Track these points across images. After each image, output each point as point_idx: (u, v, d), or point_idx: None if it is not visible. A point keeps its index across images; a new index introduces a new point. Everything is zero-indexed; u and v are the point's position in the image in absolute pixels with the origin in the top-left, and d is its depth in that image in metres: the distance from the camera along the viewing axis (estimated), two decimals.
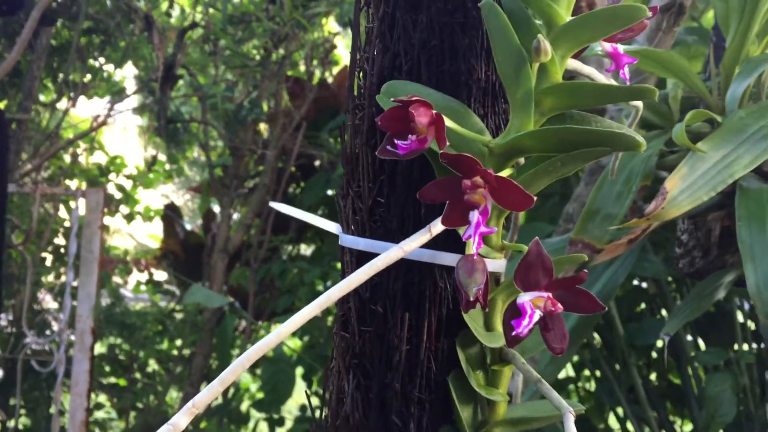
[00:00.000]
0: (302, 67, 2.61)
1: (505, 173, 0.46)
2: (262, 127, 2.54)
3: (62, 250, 2.61)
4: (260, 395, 2.21)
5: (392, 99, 0.43)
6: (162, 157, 2.98)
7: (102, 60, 2.84)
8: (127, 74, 3.03)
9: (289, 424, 2.31)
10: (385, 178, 0.49)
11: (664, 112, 0.85)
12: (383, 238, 0.49)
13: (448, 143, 0.43)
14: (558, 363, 0.86)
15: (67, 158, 2.80)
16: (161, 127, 2.35)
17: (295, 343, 2.53)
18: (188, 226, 3.17)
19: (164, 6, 2.75)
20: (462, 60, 0.48)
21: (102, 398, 2.56)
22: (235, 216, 2.54)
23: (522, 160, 0.49)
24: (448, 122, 0.44)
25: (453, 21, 0.48)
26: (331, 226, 0.57)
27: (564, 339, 0.44)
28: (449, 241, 0.46)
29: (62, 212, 2.63)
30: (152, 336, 2.42)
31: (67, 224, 2.59)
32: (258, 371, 2.31)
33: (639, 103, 0.56)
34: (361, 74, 0.51)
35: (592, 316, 0.86)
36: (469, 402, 0.50)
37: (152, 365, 2.58)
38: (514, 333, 0.42)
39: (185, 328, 2.40)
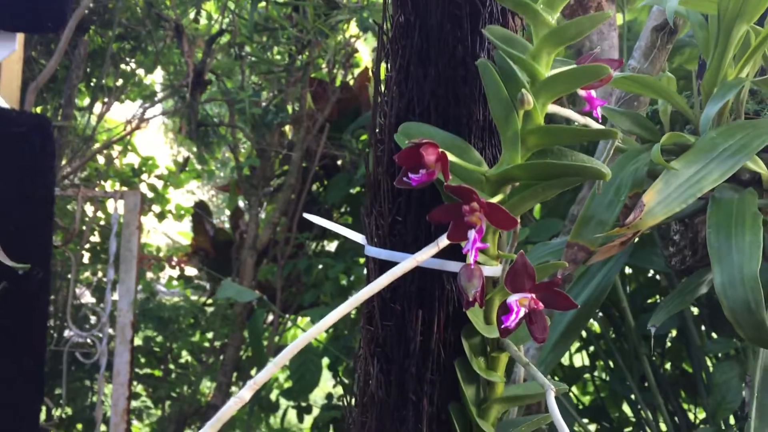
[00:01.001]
0: (325, 70, 2.72)
1: (498, 197, 0.58)
2: (287, 128, 2.67)
3: (98, 248, 2.76)
4: (288, 384, 2.34)
5: (407, 141, 0.55)
6: (189, 156, 3.11)
7: (133, 65, 2.98)
8: (157, 78, 3.17)
9: (316, 411, 2.44)
10: (402, 201, 0.61)
11: (651, 128, 0.95)
12: (401, 250, 0.61)
13: (451, 176, 0.55)
14: (558, 351, 0.97)
15: (101, 159, 2.95)
16: (192, 130, 2.48)
17: (321, 335, 2.66)
18: (214, 221, 3.31)
19: (192, 11, 2.88)
20: (463, 105, 0.59)
21: (139, 388, 2.71)
22: (262, 214, 2.67)
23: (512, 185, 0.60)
24: (452, 157, 0.56)
25: (456, 74, 0.59)
26: (358, 237, 0.69)
27: (545, 330, 0.55)
28: (454, 252, 0.57)
29: (90, 211, 2.77)
30: (185, 329, 2.56)
31: (102, 223, 2.73)
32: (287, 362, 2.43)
33: (618, 133, 0.67)
34: (382, 115, 0.62)
35: (589, 309, 0.97)
36: (472, 383, 0.62)
37: (186, 356, 2.72)
38: (503, 326, 0.54)
39: (216, 321, 2.53)
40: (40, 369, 1.67)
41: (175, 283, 2.99)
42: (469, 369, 0.61)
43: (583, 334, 2.40)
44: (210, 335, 2.68)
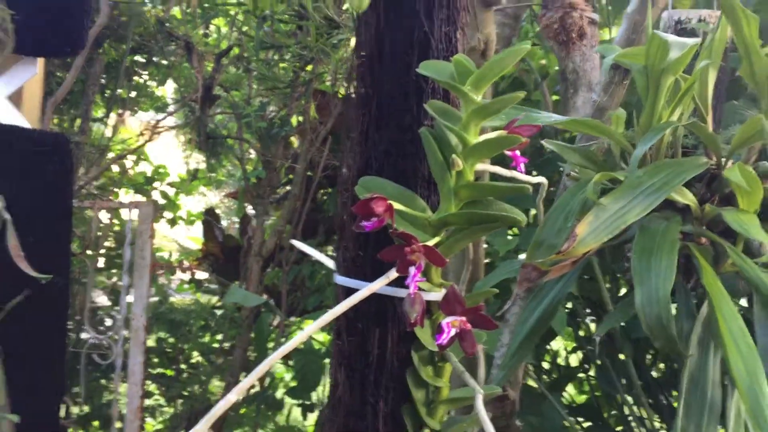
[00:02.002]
0: (329, 82, 2.87)
1: (437, 239, 0.72)
2: (293, 139, 2.82)
3: (113, 254, 2.92)
4: (293, 384, 2.50)
5: (364, 194, 0.70)
6: (198, 167, 3.27)
7: (146, 77, 3.14)
8: (168, 89, 3.33)
9: (318, 410, 2.60)
10: (362, 239, 0.76)
11: (598, 162, 1.09)
12: (362, 279, 0.75)
13: (399, 221, 0.69)
14: (518, 356, 1.11)
15: (116, 168, 3.11)
16: (201, 141, 2.64)
17: (325, 337, 2.81)
18: (223, 222, 3.47)
19: (201, 27, 3.03)
20: (411, 162, 0.74)
21: (152, 387, 2.87)
22: (269, 222, 2.82)
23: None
24: (400, 206, 0.70)
25: (404, 137, 0.74)
26: (330, 263, 0.84)
27: (473, 346, 0.70)
28: (402, 282, 0.72)
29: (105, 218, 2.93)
30: (196, 331, 2.72)
31: (116, 229, 2.89)
32: (291, 362, 2.59)
33: (544, 181, 0.81)
34: (347, 167, 0.77)
35: (546, 319, 1.11)
36: (421, 387, 0.77)
37: (196, 357, 2.88)
38: (438, 343, 0.68)
39: (225, 324, 2.69)
40: (61, 369, 1.82)
41: (186, 286, 3.15)
42: (418, 377, 0.76)
43: (581, 333, 2.54)
44: (219, 337, 2.84)
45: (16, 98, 1.93)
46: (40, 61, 1.95)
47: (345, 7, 2.37)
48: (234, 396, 0.65)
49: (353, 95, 2.89)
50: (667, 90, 1.00)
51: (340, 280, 0.78)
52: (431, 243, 0.69)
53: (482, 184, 0.70)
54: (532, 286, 1.06)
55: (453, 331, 0.68)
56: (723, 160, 1.04)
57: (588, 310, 2.52)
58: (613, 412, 2.73)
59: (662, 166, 0.95)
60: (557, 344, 3.21)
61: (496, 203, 0.71)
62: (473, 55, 1.24)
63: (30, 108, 2.02)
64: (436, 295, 0.74)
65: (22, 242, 1.61)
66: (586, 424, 2.60)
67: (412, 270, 0.68)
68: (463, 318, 0.69)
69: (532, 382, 2.60)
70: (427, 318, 0.75)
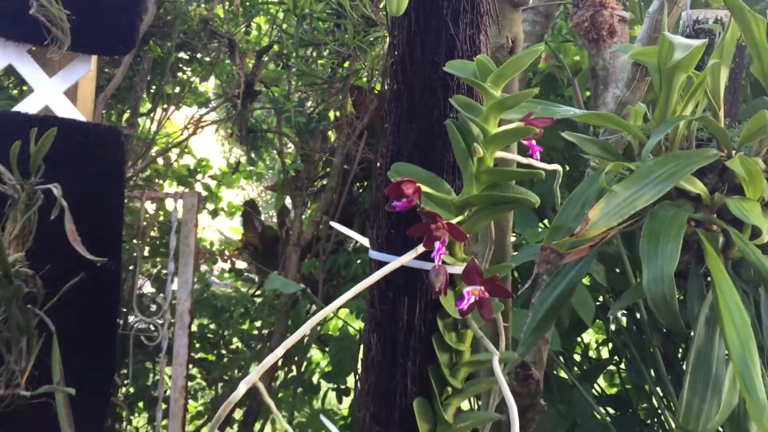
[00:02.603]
0: (365, 78, 2.97)
1: (460, 218, 0.82)
2: (330, 134, 2.93)
3: (158, 243, 3.07)
4: (329, 369, 2.61)
5: (394, 179, 0.80)
6: (240, 160, 3.40)
7: (189, 73, 3.28)
8: (210, 85, 3.47)
9: (353, 394, 2.71)
10: (394, 218, 0.86)
11: (615, 153, 1.17)
12: (392, 252, 0.86)
13: (426, 202, 0.79)
14: (537, 333, 1.20)
15: (161, 161, 3.26)
16: (242, 135, 2.76)
17: (359, 324, 2.92)
18: (263, 217, 3.60)
19: (243, 25, 3.16)
20: (438, 151, 0.84)
21: (194, 371, 3.01)
22: (306, 213, 2.94)
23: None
24: (428, 189, 0.80)
25: (432, 129, 0.84)
26: (366, 242, 0.94)
27: (490, 312, 0.79)
28: (428, 257, 0.82)
29: (150, 209, 3.08)
30: (236, 317, 2.85)
31: (161, 220, 3.04)
32: (327, 349, 2.71)
33: (559, 168, 0.91)
34: (381, 156, 0.87)
35: (563, 299, 1.20)
36: (445, 351, 0.87)
37: (236, 343, 3.02)
38: (459, 308, 0.78)
39: (264, 311, 2.82)
40: (112, 348, 1.94)
41: (227, 275, 3.29)
42: (443, 341, 0.86)
43: (612, 327, 2.61)
44: (258, 324, 2.97)
45: (71, 93, 2.05)
46: (94, 59, 2.07)
47: (381, 5, 2.47)
48: (281, 350, 0.76)
49: (387, 91, 2.98)
50: (680, 86, 1.08)
51: (374, 254, 0.88)
52: (455, 221, 0.79)
53: (500, 169, 0.79)
54: (551, 268, 1.15)
55: (472, 299, 0.78)
56: (734, 152, 1.12)
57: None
58: (644, 405, 2.79)
59: (672, 157, 1.03)
60: (589, 337, 3.28)
61: (512, 187, 0.81)
62: (501, 52, 1.33)
63: (84, 102, 2.15)
64: (459, 268, 0.84)
65: (77, 228, 1.71)
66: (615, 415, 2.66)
67: (437, 245, 0.78)
68: (482, 287, 0.79)
69: (563, 374, 2.68)
70: (451, 289, 0.84)
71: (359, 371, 2.64)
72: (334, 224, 1.04)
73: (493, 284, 0.78)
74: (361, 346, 2.55)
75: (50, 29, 1.87)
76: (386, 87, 0.88)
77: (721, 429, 1.05)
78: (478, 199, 0.80)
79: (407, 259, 0.81)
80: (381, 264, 0.86)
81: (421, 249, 0.80)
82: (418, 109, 0.84)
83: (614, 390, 3.14)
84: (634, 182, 0.99)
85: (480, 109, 0.81)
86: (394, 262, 0.80)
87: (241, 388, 0.74)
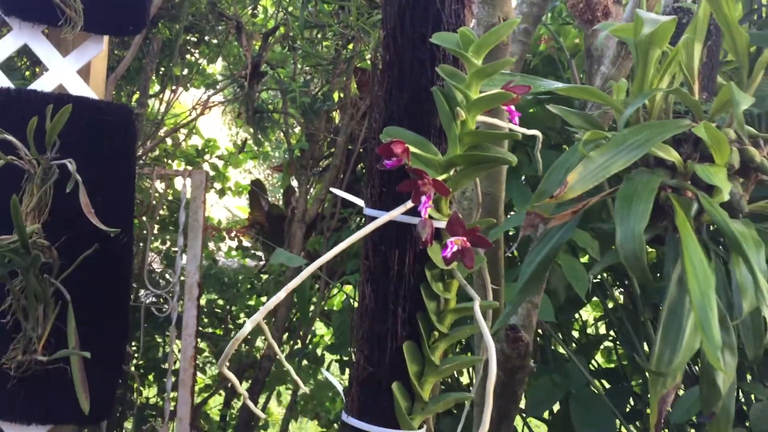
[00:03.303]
0: (369, 60, 3.06)
1: (445, 176, 0.91)
2: (335, 114, 3.02)
3: (166, 220, 3.17)
4: (332, 341, 2.71)
5: (386, 139, 0.89)
6: (246, 139, 3.50)
7: (197, 55, 3.37)
8: (218, 67, 3.56)
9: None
10: (385, 177, 0.95)
11: (597, 124, 1.26)
12: (384, 209, 0.95)
13: (414, 162, 0.88)
14: (523, 294, 1.28)
15: (169, 141, 3.36)
16: (249, 116, 2.85)
17: None
18: (269, 197, 3.70)
19: (249, 5, 3.25)
20: (426, 116, 0.93)
21: (202, 345, 3.12)
22: (311, 192, 3.04)
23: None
24: (416, 150, 0.89)
25: (421, 96, 0.93)
26: (360, 202, 1.03)
27: (472, 260, 0.88)
28: (417, 211, 0.91)
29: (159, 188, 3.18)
30: (243, 293, 2.95)
31: (170, 198, 3.14)
32: (331, 322, 2.81)
33: (538, 134, 1.00)
34: (374, 120, 0.96)
35: (547, 262, 1.29)
36: (433, 299, 0.96)
37: (243, 318, 3.12)
38: (443, 255, 0.87)
39: (270, 286, 2.92)
40: (125, 318, 2.03)
41: (233, 253, 3.39)
42: (430, 290, 0.95)
43: (610, 305, 2.70)
44: (264, 299, 3.07)
45: (84, 72, 2.14)
46: (105, 39, 2.15)
47: None
48: (284, 293, 0.85)
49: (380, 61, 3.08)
50: (655, 61, 1.16)
51: (368, 211, 0.97)
52: (440, 178, 0.88)
53: (481, 131, 0.89)
54: (536, 230, 1.24)
55: (455, 248, 0.87)
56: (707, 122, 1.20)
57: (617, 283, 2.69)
58: (640, 381, 2.88)
59: (646, 126, 1.12)
60: (587, 314, 3.38)
61: (492, 147, 0.90)
62: None
63: (96, 81, 2.24)
64: (444, 222, 0.93)
65: (91, 202, 1.80)
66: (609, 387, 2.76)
67: (423, 199, 0.87)
68: (464, 238, 0.88)
69: (561, 349, 2.78)
70: (437, 242, 0.94)
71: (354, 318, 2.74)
72: (334, 190, 1.13)
73: (474, 235, 0.88)
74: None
75: (64, 10, 1.94)
76: (380, 58, 0.97)
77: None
78: (461, 158, 0.89)
79: (397, 213, 0.90)
80: (373, 219, 0.95)
81: (409, 204, 0.90)
82: (407, 78, 0.93)
83: (612, 365, 3.23)
84: (610, 149, 1.08)
85: (463, 77, 0.90)
86: (385, 216, 0.90)
87: (247, 326, 0.84)
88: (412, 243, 0.94)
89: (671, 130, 1.11)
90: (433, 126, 0.93)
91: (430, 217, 0.89)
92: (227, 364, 0.87)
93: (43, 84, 2.03)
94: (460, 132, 0.89)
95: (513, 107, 0.92)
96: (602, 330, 3.27)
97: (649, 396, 1.16)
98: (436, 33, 0.90)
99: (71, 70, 2.07)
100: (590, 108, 1.48)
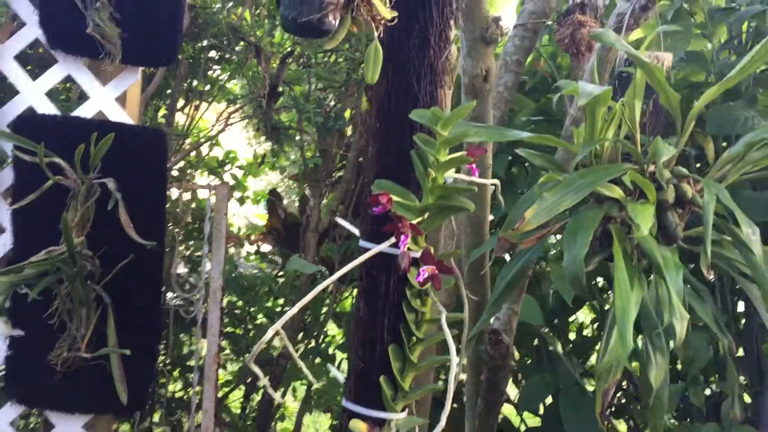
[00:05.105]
0: None
1: (420, 219, 1.22)
2: (347, 129, 3.33)
3: (191, 228, 3.49)
4: (343, 340, 3.02)
5: (376, 191, 1.20)
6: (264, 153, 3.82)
7: (218, 71, 3.68)
8: (238, 83, 3.88)
9: None
10: (376, 219, 1.26)
11: (558, 165, 1.55)
12: (375, 242, 1.25)
13: (396, 208, 1.19)
14: (497, 304, 1.58)
15: (192, 153, 3.68)
16: (267, 132, 3.16)
17: None
18: (285, 202, 4.02)
19: (267, 27, 3.55)
20: (406, 172, 1.23)
21: (224, 344, 3.44)
22: (324, 202, 3.35)
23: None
24: (398, 198, 1.20)
25: (404, 156, 1.23)
26: (356, 231, 1.34)
27: (439, 283, 1.19)
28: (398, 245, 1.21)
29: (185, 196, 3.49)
30: (261, 295, 3.27)
31: (193, 206, 3.45)
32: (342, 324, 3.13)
33: (496, 182, 1.30)
34: (366, 175, 1.27)
35: (518, 278, 1.58)
36: (412, 311, 1.27)
37: (261, 318, 3.44)
38: (417, 279, 1.18)
39: (286, 289, 3.23)
40: (157, 319, 2.32)
41: (252, 257, 3.71)
42: (410, 305, 1.26)
43: (607, 307, 2.98)
44: (281, 301, 3.39)
45: (121, 99, 2.43)
46: (140, 69, 2.45)
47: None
48: (297, 307, 1.16)
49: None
50: (602, 115, 1.45)
51: (362, 243, 1.28)
52: (415, 221, 1.19)
53: (447, 185, 1.19)
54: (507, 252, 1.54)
55: (426, 273, 1.18)
56: (645, 165, 1.49)
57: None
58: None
59: (591, 171, 1.41)
60: (584, 316, 3.66)
61: (456, 197, 1.20)
62: (477, 80, 1.70)
63: (131, 107, 2.53)
64: (419, 253, 1.24)
65: (129, 217, 2.08)
66: None
67: (402, 237, 1.18)
68: (433, 266, 1.18)
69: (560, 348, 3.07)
70: (415, 268, 1.24)
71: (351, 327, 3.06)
72: (339, 219, 1.44)
73: (440, 264, 1.18)
74: None
75: (104, 45, 2.21)
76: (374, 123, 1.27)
77: None
78: (432, 205, 1.20)
79: (383, 247, 1.21)
80: (367, 250, 1.26)
81: (392, 240, 1.20)
82: (393, 142, 1.24)
83: None
84: (560, 190, 1.38)
85: (434, 143, 1.20)
86: (375, 249, 1.21)
87: (270, 333, 1.15)
88: (396, 269, 1.25)
89: (612, 173, 1.41)
90: (412, 179, 1.24)
91: (409, 249, 1.19)
92: (251, 360, 1.18)
93: (85, 111, 2.29)
94: (431, 186, 1.19)
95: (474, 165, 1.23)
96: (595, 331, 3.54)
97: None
98: (414, 110, 1.21)
99: (110, 98, 2.33)
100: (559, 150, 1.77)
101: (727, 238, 1.45)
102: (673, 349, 2.89)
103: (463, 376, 2.21)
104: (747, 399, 2.70)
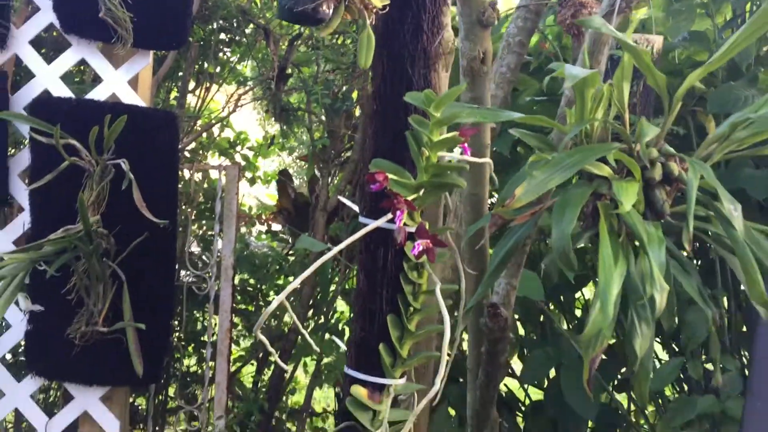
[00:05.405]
0: None
1: (415, 195, 1.30)
2: (354, 110, 3.41)
3: (203, 207, 3.58)
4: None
5: (373, 169, 1.28)
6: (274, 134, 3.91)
7: (229, 53, 3.76)
8: (248, 65, 3.96)
9: None
10: (374, 196, 1.34)
11: (551, 145, 1.62)
12: (373, 218, 1.34)
13: (392, 185, 1.27)
14: (491, 279, 1.66)
15: (204, 134, 3.77)
16: (276, 113, 3.25)
17: None
18: (295, 182, 4.11)
19: (275, 5, 3.62)
20: (402, 152, 1.31)
21: (236, 320, 3.55)
22: (333, 182, 3.44)
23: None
24: (394, 176, 1.28)
25: (399, 137, 1.31)
26: (357, 208, 1.43)
27: (433, 256, 1.27)
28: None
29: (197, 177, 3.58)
30: (272, 273, 3.37)
31: (205, 187, 3.55)
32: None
33: (489, 161, 1.38)
34: (365, 154, 1.35)
35: (511, 253, 1.66)
36: (409, 283, 1.35)
37: (272, 296, 3.54)
38: (412, 252, 1.26)
39: (296, 267, 3.33)
40: (170, 295, 2.41)
41: (263, 236, 3.81)
42: (407, 277, 1.34)
43: None
44: (291, 278, 3.49)
45: (133, 82, 2.51)
46: (151, 52, 2.52)
47: None
48: (299, 279, 1.25)
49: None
50: (591, 97, 1.52)
51: (362, 219, 1.37)
52: (410, 198, 1.27)
53: (440, 164, 1.27)
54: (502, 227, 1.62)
55: (421, 247, 1.26)
56: (633, 144, 1.56)
57: None
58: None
59: (578, 150, 1.49)
60: (589, 293, 3.73)
61: (449, 175, 1.28)
62: (475, 62, 1.77)
63: (143, 90, 2.61)
64: (414, 228, 1.32)
65: (142, 197, 2.16)
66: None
67: (398, 213, 1.26)
68: (428, 240, 1.27)
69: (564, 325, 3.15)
70: (411, 242, 1.33)
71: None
72: (341, 198, 1.52)
73: (434, 238, 1.26)
74: None
75: (116, 29, 2.29)
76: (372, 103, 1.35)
77: None
78: (426, 183, 1.28)
79: (381, 222, 1.29)
80: (366, 225, 1.35)
81: (389, 216, 1.29)
82: (389, 123, 1.32)
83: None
84: (549, 168, 1.45)
85: (428, 124, 1.28)
86: (373, 224, 1.29)
87: (275, 302, 1.24)
88: (393, 243, 1.34)
89: (599, 152, 1.48)
90: (408, 159, 1.32)
91: (405, 224, 1.28)
92: (260, 332, 1.27)
93: (99, 93, 2.37)
94: (425, 164, 1.27)
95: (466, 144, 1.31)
96: None
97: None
98: (408, 92, 1.28)
99: (123, 81, 2.41)
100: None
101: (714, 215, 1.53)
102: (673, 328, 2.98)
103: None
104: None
